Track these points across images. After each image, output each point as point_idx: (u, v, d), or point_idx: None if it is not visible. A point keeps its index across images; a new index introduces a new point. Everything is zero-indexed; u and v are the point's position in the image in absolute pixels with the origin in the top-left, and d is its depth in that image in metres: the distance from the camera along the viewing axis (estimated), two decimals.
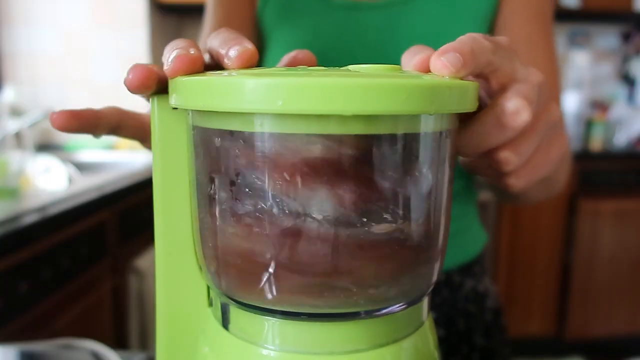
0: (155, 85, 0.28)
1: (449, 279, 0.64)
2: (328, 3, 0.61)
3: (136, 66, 0.27)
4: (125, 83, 0.27)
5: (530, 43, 0.58)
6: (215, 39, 0.29)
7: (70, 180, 1.44)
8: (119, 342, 1.46)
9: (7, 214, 1.09)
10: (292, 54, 0.34)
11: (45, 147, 1.98)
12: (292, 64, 0.34)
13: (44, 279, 1.13)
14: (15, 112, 1.81)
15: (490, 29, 0.61)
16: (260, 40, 0.66)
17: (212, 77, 0.25)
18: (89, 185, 1.40)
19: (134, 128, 0.34)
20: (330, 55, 0.60)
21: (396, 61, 0.31)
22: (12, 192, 1.22)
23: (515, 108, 0.28)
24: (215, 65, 0.30)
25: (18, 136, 1.60)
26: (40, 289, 1.12)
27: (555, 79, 0.60)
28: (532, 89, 0.30)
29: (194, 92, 0.25)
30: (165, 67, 0.27)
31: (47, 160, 1.45)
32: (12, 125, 1.58)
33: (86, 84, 2.11)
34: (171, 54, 0.27)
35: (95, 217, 1.33)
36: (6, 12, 2.04)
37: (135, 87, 0.27)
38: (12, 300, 1.03)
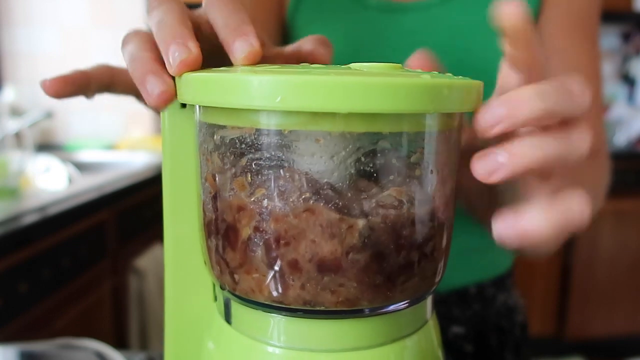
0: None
1: (481, 292, 0.62)
2: (362, 4, 0.59)
3: (152, 82, 0.26)
4: (149, 104, 0.27)
5: (567, 56, 0.54)
6: (219, 15, 0.28)
7: (70, 180, 1.44)
8: (119, 342, 1.46)
9: (7, 214, 1.09)
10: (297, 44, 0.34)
11: (45, 147, 1.98)
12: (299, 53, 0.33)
13: (44, 279, 1.13)
14: (15, 112, 1.81)
15: None
16: (289, 40, 0.63)
17: (216, 73, 0.25)
18: (88, 185, 1.40)
19: (127, 83, 0.33)
20: (363, 57, 0.59)
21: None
22: (12, 192, 1.22)
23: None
24: (209, 37, 0.29)
25: (18, 136, 1.60)
26: (40, 289, 1.12)
27: (597, 94, 0.55)
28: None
29: (200, 89, 0.25)
30: (168, 68, 0.27)
31: (47, 160, 1.45)
32: (12, 125, 1.58)
33: None
34: (173, 52, 0.27)
35: (95, 217, 1.33)
36: (6, 12, 2.04)
37: (161, 106, 0.27)
38: (12, 300, 1.03)
